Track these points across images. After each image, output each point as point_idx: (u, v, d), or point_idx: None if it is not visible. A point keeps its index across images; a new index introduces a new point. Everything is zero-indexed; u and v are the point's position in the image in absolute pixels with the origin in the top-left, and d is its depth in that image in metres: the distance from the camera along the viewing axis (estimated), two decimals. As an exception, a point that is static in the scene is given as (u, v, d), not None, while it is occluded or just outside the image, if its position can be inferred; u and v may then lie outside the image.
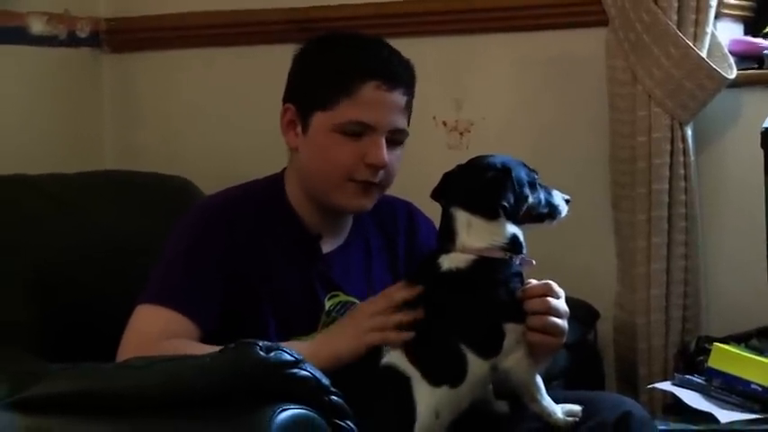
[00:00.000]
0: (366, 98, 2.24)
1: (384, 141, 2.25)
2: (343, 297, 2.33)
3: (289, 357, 1.92)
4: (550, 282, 2.19)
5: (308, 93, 2.30)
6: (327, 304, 2.32)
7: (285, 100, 2.34)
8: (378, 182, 2.28)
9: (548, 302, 2.16)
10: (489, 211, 2.15)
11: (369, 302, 2.22)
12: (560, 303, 2.19)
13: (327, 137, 2.26)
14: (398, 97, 2.27)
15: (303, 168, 2.32)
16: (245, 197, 2.34)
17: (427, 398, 2.11)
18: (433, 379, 2.11)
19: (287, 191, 2.35)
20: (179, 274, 2.24)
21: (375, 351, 2.16)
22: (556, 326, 2.17)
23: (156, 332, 2.18)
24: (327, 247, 2.36)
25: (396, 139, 2.29)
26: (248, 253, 2.27)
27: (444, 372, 2.12)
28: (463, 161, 2.27)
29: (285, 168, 2.38)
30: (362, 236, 2.41)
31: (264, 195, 2.35)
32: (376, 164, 2.25)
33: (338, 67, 2.27)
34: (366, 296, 2.30)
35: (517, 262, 2.18)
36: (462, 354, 2.12)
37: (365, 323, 2.18)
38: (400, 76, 2.28)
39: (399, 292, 2.18)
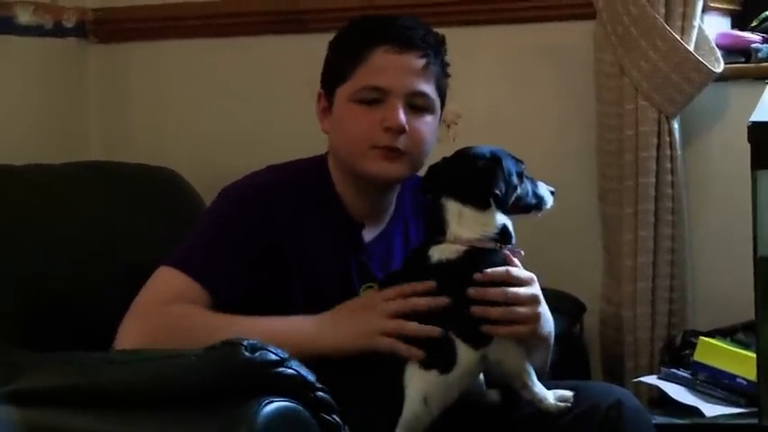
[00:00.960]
0: (377, 63, 2.26)
1: (400, 105, 2.26)
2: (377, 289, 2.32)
3: (273, 357, 1.92)
4: (510, 268, 2.16)
5: (330, 72, 2.34)
6: (361, 294, 2.31)
7: (321, 86, 2.38)
8: (402, 148, 2.26)
9: (506, 292, 2.14)
10: (481, 201, 2.15)
11: (386, 299, 2.18)
12: (524, 291, 2.16)
13: (347, 108, 2.28)
14: (413, 60, 2.27)
15: (334, 147, 2.34)
16: (287, 180, 2.34)
17: (417, 382, 2.11)
18: (424, 362, 2.11)
19: (332, 174, 2.36)
20: (204, 243, 2.26)
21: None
22: (519, 314, 2.14)
23: (169, 295, 2.20)
24: (368, 234, 2.36)
25: (418, 104, 2.29)
26: (285, 235, 2.27)
27: (434, 356, 2.11)
28: (449, 154, 2.27)
29: (328, 152, 2.39)
30: (402, 220, 2.41)
31: (310, 178, 2.36)
32: (392, 126, 2.24)
33: (350, 38, 2.32)
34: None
35: (505, 252, 2.18)
36: (452, 341, 2.12)
37: (378, 324, 2.15)
38: (413, 39, 2.28)
39: (417, 301, 2.14)
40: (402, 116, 2.25)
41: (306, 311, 2.23)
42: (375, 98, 2.26)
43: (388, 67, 2.27)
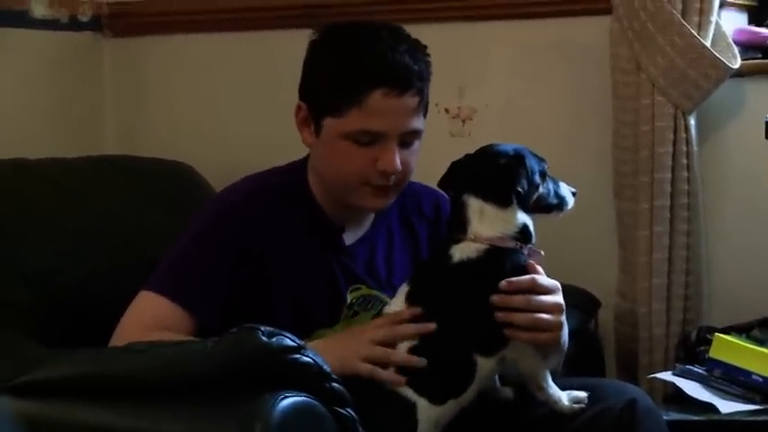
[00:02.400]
0: (374, 107, 2.20)
1: (395, 147, 2.23)
2: (365, 290, 2.33)
3: (290, 343, 1.92)
4: (536, 276, 2.16)
5: (319, 97, 2.27)
6: (350, 297, 2.31)
7: (299, 95, 2.32)
8: (393, 184, 2.26)
9: (531, 300, 2.14)
10: (503, 198, 2.15)
11: (373, 327, 2.18)
12: (548, 299, 2.16)
13: (339, 144, 2.24)
14: (409, 100, 2.22)
15: (319, 170, 2.32)
16: (266, 188, 2.33)
17: (431, 415, 2.11)
18: (439, 399, 2.10)
19: (309, 182, 2.34)
20: (185, 265, 2.25)
21: None
22: (543, 321, 2.14)
23: (152, 321, 2.20)
24: (350, 238, 2.36)
25: (410, 139, 2.26)
26: (265, 245, 2.26)
27: (451, 388, 2.11)
28: (466, 148, 2.26)
29: (306, 157, 2.37)
30: (385, 225, 2.40)
31: (286, 186, 2.34)
32: (388, 170, 2.23)
33: (346, 75, 2.22)
34: (388, 287, 2.30)
35: (525, 252, 2.17)
36: (471, 359, 2.11)
37: (361, 350, 2.14)
38: (409, 78, 2.22)
39: (405, 328, 2.15)
40: (398, 160, 2.23)
41: (293, 317, 2.23)
42: (368, 140, 2.22)
43: (385, 111, 2.21)
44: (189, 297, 2.22)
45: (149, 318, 2.20)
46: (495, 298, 2.12)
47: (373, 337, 2.15)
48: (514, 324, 2.13)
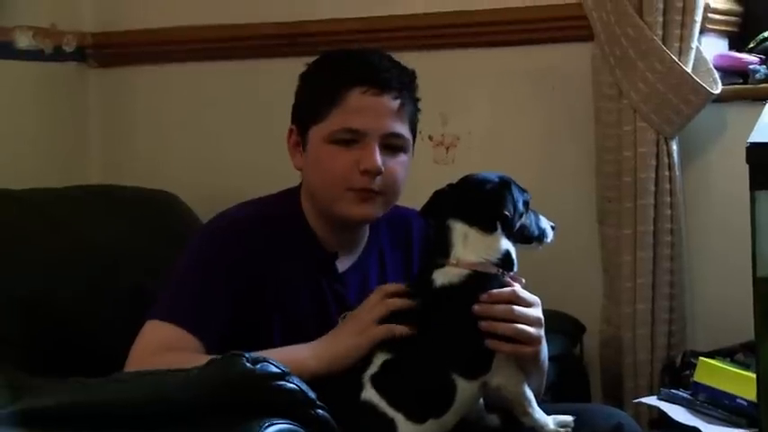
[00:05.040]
0: (353, 105, 2.25)
1: (376, 147, 2.25)
2: None
3: (275, 369, 1.92)
4: (516, 288, 2.18)
5: (303, 110, 2.32)
6: (340, 323, 2.31)
7: (291, 122, 2.36)
8: (377, 189, 2.27)
9: (513, 310, 2.14)
10: (488, 222, 2.16)
11: (364, 302, 2.22)
12: (530, 311, 2.17)
13: (322, 149, 2.27)
14: (388, 101, 2.26)
15: (308, 186, 2.34)
16: (260, 215, 2.34)
17: None
18: (418, 417, 2.10)
19: (303, 208, 2.36)
20: (189, 292, 2.25)
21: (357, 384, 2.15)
22: (525, 333, 2.15)
23: (160, 346, 2.19)
24: (343, 264, 2.36)
25: (393, 144, 2.28)
26: (261, 271, 2.27)
27: (430, 406, 2.11)
28: (449, 175, 2.27)
29: (299, 186, 2.39)
30: (377, 250, 2.41)
31: (280, 213, 2.35)
32: (369, 169, 2.24)
33: (326, 80, 2.29)
34: None
35: (507, 279, 2.18)
36: (450, 380, 2.11)
37: (367, 316, 2.17)
38: (389, 80, 2.27)
39: (391, 286, 2.21)
40: (378, 158, 2.25)
41: (284, 344, 2.23)
42: (351, 139, 2.25)
43: (365, 109, 2.25)
44: (196, 322, 2.21)
45: (157, 344, 2.19)
46: (476, 307, 2.13)
47: (368, 305, 2.19)
48: (498, 334, 2.13)
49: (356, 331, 2.17)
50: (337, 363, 2.16)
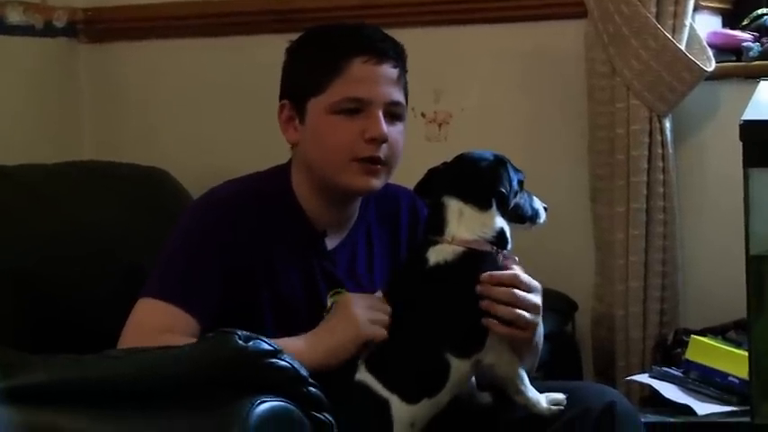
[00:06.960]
0: (356, 74, 2.25)
1: (381, 114, 2.25)
2: (345, 294, 2.32)
3: (267, 347, 1.92)
4: (518, 272, 2.18)
5: (300, 83, 2.31)
6: (329, 301, 2.31)
7: (281, 97, 2.35)
8: (383, 158, 2.26)
9: (514, 294, 2.14)
10: (483, 199, 2.15)
11: (360, 296, 2.22)
12: (530, 297, 2.17)
13: (324, 120, 2.26)
14: (389, 70, 2.27)
15: (307, 159, 2.32)
16: (250, 191, 2.33)
17: (404, 414, 2.10)
18: (413, 397, 2.10)
19: (293, 184, 2.34)
20: (180, 269, 2.24)
21: (352, 366, 2.15)
22: (522, 318, 2.15)
23: (155, 326, 2.18)
24: (332, 242, 2.35)
25: (394, 112, 2.28)
26: (250, 248, 2.26)
27: (424, 386, 2.11)
28: (442, 152, 2.27)
29: (289, 162, 2.37)
30: (365, 226, 2.40)
31: (270, 189, 2.34)
32: (376, 137, 2.24)
33: (325, 51, 2.29)
34: (369, 290, 2.29)
35: (500, 257, 2.18)
36: (443, 359, 2.11)
37: (364, 315, 2.16)
38: (387, 50, 2.28)
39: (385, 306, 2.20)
40: (384, 126, 2.25)
41: (274, 322, 2.24)
42: (355, 108, 2.25)
43: (367, 78, 2.26)
44: (189, 299, 2.20)
45: (151, 324, 2.18)
46: (478, 288, 2.13)
47: (365, 303, 2.19)
48: (497, 315, 2.13)
49: (353, 326, 2.16)
50: (332, 356, 2.15)
